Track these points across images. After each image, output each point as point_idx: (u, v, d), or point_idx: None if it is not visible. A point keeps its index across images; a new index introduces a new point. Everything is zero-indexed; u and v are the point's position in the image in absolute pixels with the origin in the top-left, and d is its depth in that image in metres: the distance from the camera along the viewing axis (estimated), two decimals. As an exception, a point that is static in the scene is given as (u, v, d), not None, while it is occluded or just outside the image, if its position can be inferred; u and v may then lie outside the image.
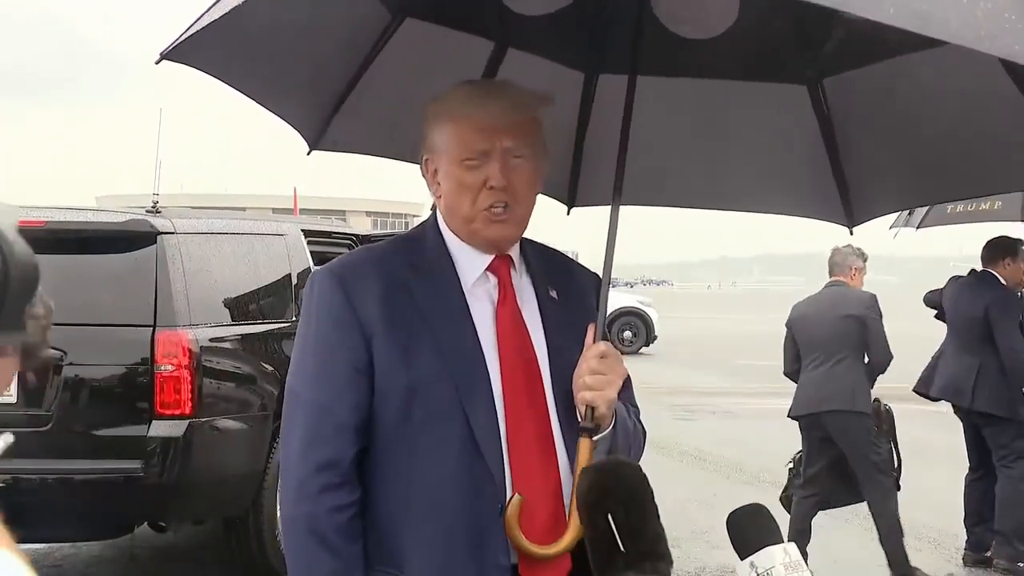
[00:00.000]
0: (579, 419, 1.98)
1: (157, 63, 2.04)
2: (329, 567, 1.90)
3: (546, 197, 2.56)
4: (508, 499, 1.92)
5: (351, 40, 2.37)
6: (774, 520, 1.75)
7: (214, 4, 1.93)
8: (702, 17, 2.23)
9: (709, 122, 2.62)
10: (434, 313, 1.96)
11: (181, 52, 2.02)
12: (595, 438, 1.97)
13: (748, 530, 1.79)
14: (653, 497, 1.61)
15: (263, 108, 2.42)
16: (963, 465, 6.94)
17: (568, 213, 2.74)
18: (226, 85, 2.26)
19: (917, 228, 6.92)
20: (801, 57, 2.42)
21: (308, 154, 2.59)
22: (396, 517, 1.93)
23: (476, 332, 1.98)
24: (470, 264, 2.03)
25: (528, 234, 2.12)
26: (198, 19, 1.95)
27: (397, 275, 1.99)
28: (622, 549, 1.58)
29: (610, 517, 1.58)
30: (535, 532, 1.93)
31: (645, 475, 1.60)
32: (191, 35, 1.94)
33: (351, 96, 2.46)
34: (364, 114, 2.51)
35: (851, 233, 2.74)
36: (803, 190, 2.73)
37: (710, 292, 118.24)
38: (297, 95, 2.49)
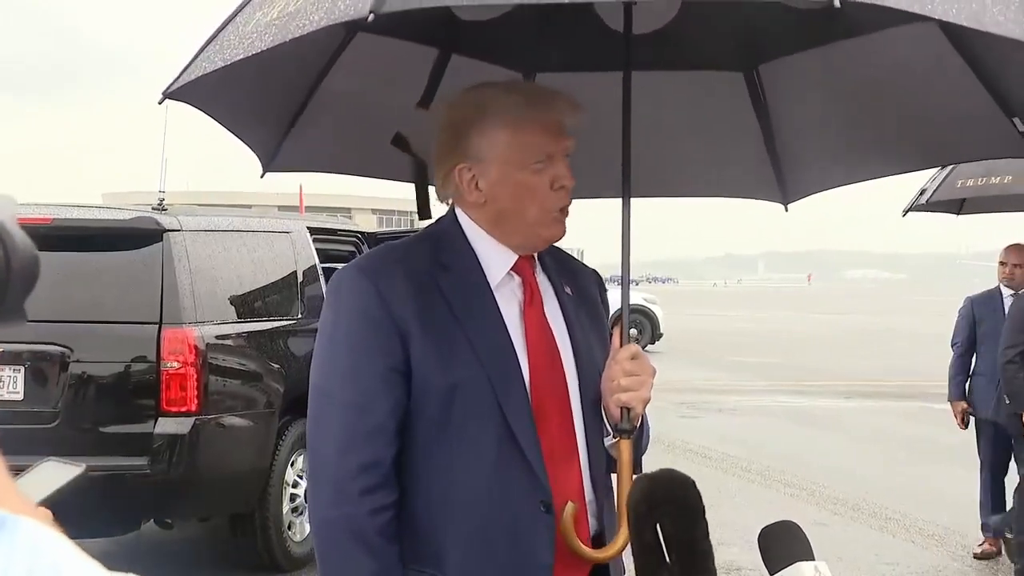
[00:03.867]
0: (610, 421, 1.99)
1: (160, 103, 2.06)
2: (369, 569, 1.87)
3: None
4: (551, 498, 1.91)
5: (306, 59, 2.37)
6: (806, 537, 1.75)
7: (210, 41, 1.93)
8: (644, 11, 2.24)
9: (648, 113, 2.65)
10: (466, 312, 1.94)
11: (183, 93, 2.04)
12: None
13: (779, 546, 1.78)
14: (704, 513, 1.61)
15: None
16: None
17: None
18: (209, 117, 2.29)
19: (927, 202, 6.87)
20: (737, 45, 2.45)
21: (261, 177, 2.59)
22: (435, 517, 1.92)
23: (508, 331, 1.96)
24: (495, 263, 2.01)
25: None
26: (197, 56, 1.96)
27: (425, 273, 1.96)
28: (668, 562, 1.57)
29: (658, 528, 1.57)
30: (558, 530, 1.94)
31: (698, 491, 1.60)
32: (197, 78, 1.94)
33: (302, 116, 2.45)
34: (315, 133, 2.50)
35: (786, 209, 2.81)
36: (740, 172, 2.81)
37: (715, 289, 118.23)
38: (255, 117, 2.50)
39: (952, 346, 6.92)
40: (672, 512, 1.59)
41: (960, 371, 6.80)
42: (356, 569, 1.88)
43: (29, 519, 0.66)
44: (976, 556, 6.68)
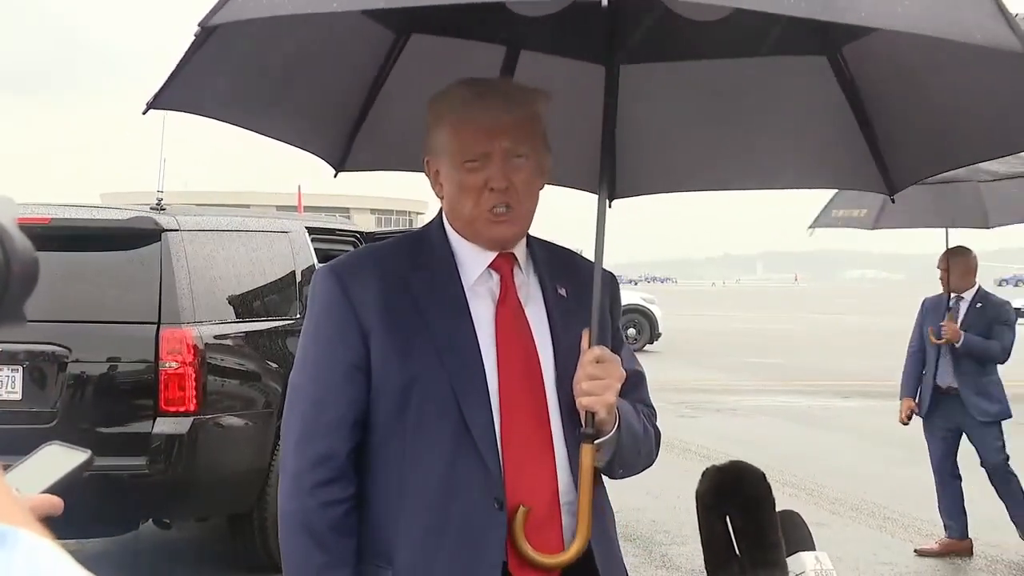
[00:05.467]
0: (581, 425, 1.97)
1: (144, 113, 2.04)
2: (319, 561, 1.92)
3: (585, 192, 2.54)
4: (504, 496, 1.91)
5: (359, 63, 2.39)
6: (807, 526, 1.74)
7: (192, 46, 1.94)
8: None
9: (733, 102, 2.60)
10: (432, 310, 1.97)
11: (169, 99, 2.02)
12: (596, 443, 1.96)
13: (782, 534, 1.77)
14: (774, 506, 1.59)
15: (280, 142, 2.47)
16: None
17: (610, 206, 2.74)
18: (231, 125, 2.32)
19: (871, 229, 7.10)
20: (817, 27, 2.41)
21: (335, 176, 2.62)
22: (389, 511, 1.95)
23: (474, 329, 1.97)
24: (472, 262, 2.03)
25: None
26: (179, 65, 1.95)
27: (397, 272, 1.99)
28: (737, 554, 1.56)
29: (728, 520, 1.56)
30: (528, 533, 1.93)
31: (768, 483, 1.58)
32: (177, 80, 1.94)
33: (369, 116, 2.48)
34: (385, 132, 2.53)
35: (892, 201, 2.69)
36: (837, 162, 2.73)
37: (714, 289, 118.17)
38: (312, 124, 2.53)
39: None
40: (741, 504, 1.57)
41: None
42: (306, 561, 1.94)
43: (28, 532, 0.66)
44: (917, 552, 6.72)
